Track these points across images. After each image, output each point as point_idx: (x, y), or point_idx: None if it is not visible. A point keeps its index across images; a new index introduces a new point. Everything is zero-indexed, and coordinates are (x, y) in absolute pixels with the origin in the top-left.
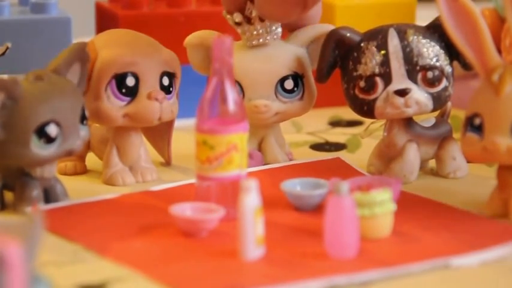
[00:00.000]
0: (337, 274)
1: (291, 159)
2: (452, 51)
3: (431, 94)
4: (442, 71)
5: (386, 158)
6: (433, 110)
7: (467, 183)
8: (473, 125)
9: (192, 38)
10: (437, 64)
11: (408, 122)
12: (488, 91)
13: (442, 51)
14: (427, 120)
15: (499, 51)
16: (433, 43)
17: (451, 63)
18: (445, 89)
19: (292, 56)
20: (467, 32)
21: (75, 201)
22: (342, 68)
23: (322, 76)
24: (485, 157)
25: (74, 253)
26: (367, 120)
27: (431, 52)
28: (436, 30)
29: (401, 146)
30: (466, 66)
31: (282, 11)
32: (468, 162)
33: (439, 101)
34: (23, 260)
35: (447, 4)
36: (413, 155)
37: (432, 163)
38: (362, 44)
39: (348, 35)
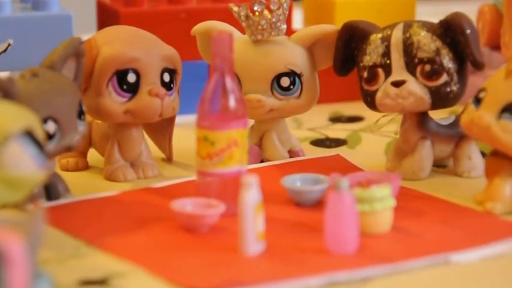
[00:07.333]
0: (337, 270)
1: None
2: (463, 49)
3: (429, 88)
4: (441, 66)
5: (403, 154)
6: (435, 107)
7: (476, 183)
8: (477, 98)
9: (199, 26)
10: (436, 58)
11: (422, 118)
12: (503, 73)
13: (445, 47)
14: (448, 118)
15: (499, 46)
16: (435, 37)
17: (457, 61)
18: (446, 84)
19: (290, 54)
20: None
21: (77, 198)
22: (356, 61)
23: (336, 68)
24: (470, 128)
25: (76, 249)
26: (368, 116)
27: (432, 46)
28: (445, 27)
29: (414, 142)
30: (476, 64)
31: None
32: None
33: (438, 96)
34: (24, 256)
35: None
36: (425, 152)
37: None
38: (371, 36)
39: (360, 27)
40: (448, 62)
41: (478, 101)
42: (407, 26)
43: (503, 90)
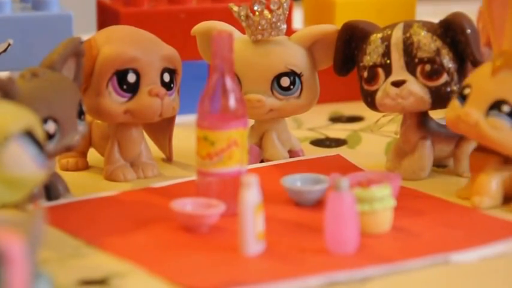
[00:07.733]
0: (336, 270)
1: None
2: (464, 49)
3: (430, 88)
4: (441, 66)
5: (403, 154)
6: (435, 107)
7: None
8: (462, 94)
9: (199, 26)
10: (437, 58)
11: (422, 118)
12: (488, 69)
13: (445, 47)
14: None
15: None
16: (435, 37)
17: (457, 60)
18: (446, 84)
19: (290, 54)
20: (500, 16)
21: (77, 198)
22: (356, 61)
23: (336, 68)
24: (456, 124)
25: (76, 249)
26: (368, 116)
27: (432, 46)
28: (445, 27)
29: (414, 142)
30: (476, 64)
31: None
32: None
33: (438, 96)
34: (24, 256)
35: None
36: (425, 152)
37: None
38: (371, 36)
39: (360, 27)
40: (448, 62)
41: (463, 97)
42: (408, 26)
43: (490, 87)
